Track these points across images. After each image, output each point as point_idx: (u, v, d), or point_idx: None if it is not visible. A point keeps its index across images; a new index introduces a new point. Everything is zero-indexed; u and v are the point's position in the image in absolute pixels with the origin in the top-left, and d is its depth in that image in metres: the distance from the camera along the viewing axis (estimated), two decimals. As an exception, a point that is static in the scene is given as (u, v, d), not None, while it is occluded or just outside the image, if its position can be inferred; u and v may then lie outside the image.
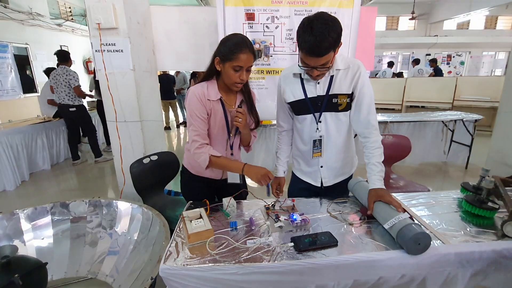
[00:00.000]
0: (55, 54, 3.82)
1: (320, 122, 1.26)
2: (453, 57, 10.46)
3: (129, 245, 1.62)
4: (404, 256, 0.90)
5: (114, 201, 1.77)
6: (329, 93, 1.21)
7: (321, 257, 0.89)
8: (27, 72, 5.86)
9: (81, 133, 4.36)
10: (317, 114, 1.26)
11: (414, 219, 1.05)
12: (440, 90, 6.06)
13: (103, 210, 1.77)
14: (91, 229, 1.76)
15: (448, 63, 10.44)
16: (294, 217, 1.09)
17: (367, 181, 1.24)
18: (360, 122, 1.23)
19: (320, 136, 1.28)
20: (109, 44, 2.00)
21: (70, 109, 3.90)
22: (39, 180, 3.71)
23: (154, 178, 1.87)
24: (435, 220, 1.10)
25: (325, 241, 0.95)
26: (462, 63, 10.44)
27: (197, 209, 1.12)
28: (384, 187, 1.12)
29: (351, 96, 1.23)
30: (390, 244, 0.95)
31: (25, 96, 5.68)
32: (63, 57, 3.82)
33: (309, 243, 0.94)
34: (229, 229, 1.07)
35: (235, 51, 1.12)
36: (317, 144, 1.29)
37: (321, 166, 1.34)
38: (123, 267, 1.57)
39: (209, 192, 1.41)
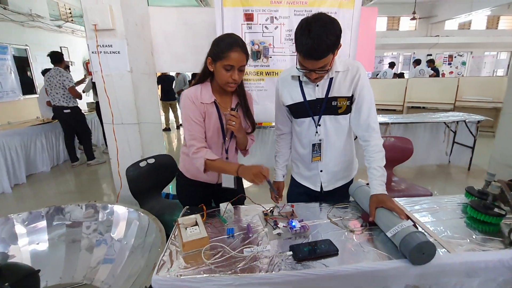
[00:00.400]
0: (48, 55, 3.81)
1: (319, 125, 1.23)
2: (455, 57, 10.40)
3: (126, 251, 1.58)
4: (407, 266, 0.86)
5: (110, 205, 1.74)
6: (329, 96, 1.18)
7: (321, 267, 0.86)
8: (28, 73, 5.87)
9: None
10: (316, 118, 1.22)
11: (418, 226, 1.01)
12: (441, 90, 6.02)
13: (99, 215, 1.74)
14: (87, 234, 1.72)
15: (449, 64, 10.38)
16: (293, 223, 1.05)
17: (367, 184, 1.20)
18: (360, 125, 1.19)
19: (320, 140, 1.24)
20: (106, 46, 1.97)
21: (64, 111, 3.87)
22: (38, 182, 3.69)
23: (151, 182, 1.84)
24: (439, 227, 1.07)
25: (325, 250, 0.92)
26: (463, 63, 10.38)
27: (193, 216, 1.09)
28: (386, 192, 1.09)
29: (351, 99, 1.19)
30: (392, 253, 0.92)
31: (25, 97, 5.69)
32: (56, 58, 3.80)
33: (308, 251, 0.91)
34: (226, 236, 1.04)
35: (225, 50, 1.09)
36: (316, 148, 1.26)
37: (321, 170, 1.30)
38: (119, 273, 1.54)
39: (206, 196, 1.38)
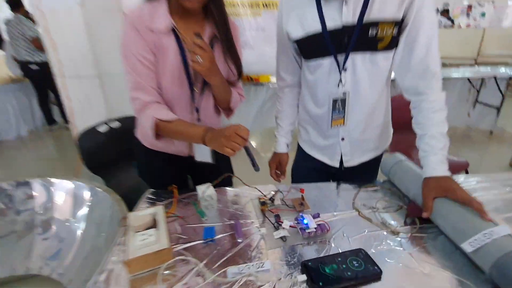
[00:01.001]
0: (5, 1, 3.18)
1: (345, 70, 0.80)
2: (474, 8, 9.35)
3: (86, 238, 1.27)
4: (501, 303, 0.51)
5: (67, 181, 1.38)
6: (364, 21, 0.73)
7: (356, 308, 0.51)
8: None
9: None
10: (341, 57, 0.79)
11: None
12: (461, 44, 5.37)
13: (54, 194, 1.38)
14: (41, 218, 1.39)
15: (467, 15, 9.36)
16: (305, 221, 0.69)
17: (401, 153, 0.83)
18: (412, 68, 0.77)
19: (344, 93, 0.83)
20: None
21: (31, 67, 3.35)
22: (8, 148, 3.32)
23: (117, 151, 1.45)
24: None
25: (361, 271, 0.56)
26: (483, 14, 9.36)
27: (151, 210, 0.72)
28: (449, 174, 0.70)
29: (400, 25, 0.75)
30: (467, 274, 0.57)
31: (-6, 53, 5.03)
32: (14, 3, 3.18)
33: (332, 274, 0.55)
34: (202, 241, 0.68)
35: None
36: (339, 106, 0.85)
37: (342, 139, 0.91)
38: (79, 265, 1.25)
39: (177, 173, 0.99)
